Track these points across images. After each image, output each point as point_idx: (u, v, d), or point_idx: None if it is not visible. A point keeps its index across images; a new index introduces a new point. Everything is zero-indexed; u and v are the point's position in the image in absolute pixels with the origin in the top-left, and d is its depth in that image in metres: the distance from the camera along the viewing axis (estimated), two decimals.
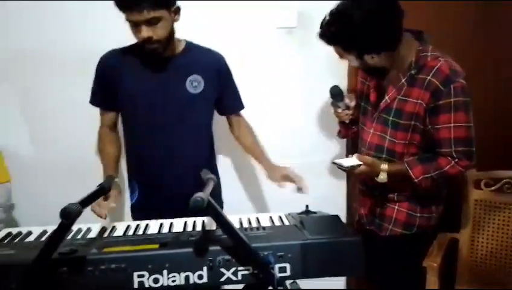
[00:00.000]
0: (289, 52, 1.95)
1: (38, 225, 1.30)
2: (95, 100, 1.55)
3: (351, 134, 1.72)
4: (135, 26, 1.34)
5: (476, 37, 1.91)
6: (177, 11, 1.42)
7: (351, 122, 1.64)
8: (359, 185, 1.64)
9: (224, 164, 1.96)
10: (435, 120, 1.34)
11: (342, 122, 1.67)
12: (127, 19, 1.33)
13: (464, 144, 1.34)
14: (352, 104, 1.56)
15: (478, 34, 1.91)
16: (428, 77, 1.32)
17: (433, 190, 1.45)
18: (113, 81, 1.49)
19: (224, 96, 1.60)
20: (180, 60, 1.49)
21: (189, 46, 1.53)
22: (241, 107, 1.67)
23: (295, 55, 1.96)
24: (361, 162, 1.38)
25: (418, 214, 1.49)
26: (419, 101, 1.35)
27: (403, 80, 1.39)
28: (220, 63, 1.57)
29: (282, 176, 1.51)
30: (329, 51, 1.90)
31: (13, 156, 1.83)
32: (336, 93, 1.53)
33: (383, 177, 1.39)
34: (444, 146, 1.35)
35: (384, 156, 1.46)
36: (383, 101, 1.44)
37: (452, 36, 1.86)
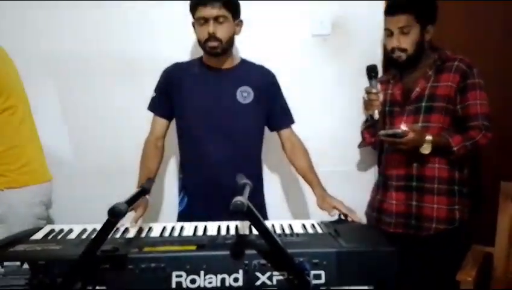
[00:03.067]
0: (324, 59, 1.97)
1: (72, 223, 1.35)
2: (152, 106, 1.65)
3: (375, 141, 1.78)
4: (204, 22, 1.49)
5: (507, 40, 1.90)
6: (240, 24, 1.59)
7: (375, 129, 1.73)
8: (392, 181, 1.65)
9: None
10: (465, 97, 1.56)
11: (367, 128, 1.81)
12: (199, 16, 1.49)
13: (488, 119, 1.54)
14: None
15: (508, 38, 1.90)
16: (456, 62, 1.58)
17: (463, 175, 1.62)
18: (172, 90, 1.60)
19: (273, 111, 1.65)
20: (233, 72, 1.60)
21: (243, 61, 1.67)
22: (290, 122, 1.68)
23: (330, 62, 1.97)
24: (409, 130, 1.49)
25: (457, 207, 1.60)
26: (449, 83, 1.57)
27: (430, 72, 1.61)
28: (270, 79, 1.66)
29: (333, 208, 1.46)
30: (363, 57, 1.92)
31: (52, 155, 1.89)
32: (371, 68, 1.57)
33: (427, 146, 1.51)
34: (475, 120, 1.54)
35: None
36: (414, 92, 1.62)
37: (481, 38, 1.88)
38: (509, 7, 1.89)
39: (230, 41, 1.55)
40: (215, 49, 1.51)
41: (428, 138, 1.51)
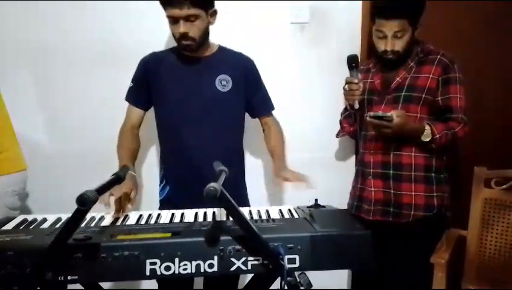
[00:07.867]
0: (302, 47, 1.97)
1: (51, 213, 1.33)
2: (129, 96, 1.63)
3: (353, 130, 1.79)
4: (174, 22, 1.45)
5: (487, 36, 1.92)
6: (214, 14, 1.52)
7: (354, 118, 1.74)
8: (371, 168, 1.66)
9: None
10: (447, 90, 1.58)
11: (345, 118, 1.81)
12: (168, 15, 1.44)
13: (464, 113, 1.58)
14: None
15: (488, 34, 1.93)
16: (439, 56, 1.60)
17: (442, 162, 1.64)
18: (149, 80, 1.58)
19: (253, 98, 1.64)
20: (211, 61, 1.58)
21: (221, 49, 1.64)
22: (271, 108, 1.69)
23: (308, 50, 1.97)
24: (396, 115, 1.47)
25: (435, 194, 1.61)
26: (431, 75, 1.58)
27: (412, 63, 1.62)
28: (248, 66, 1.64)
29: (284, 177, 1.49)
30: (342, 45, 1.92)
31: (29, 145, 1.85)
32: (352, 58, 1.56)
33: (427, 134, 1.52)
34: (455, 112, 1.58)
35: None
36: (394, 82, 1.62)
37: (463, 35, 1.91)
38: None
39: (205, 36, 1.52)
40: (189, 47, 1.49)
41: (428, 126, 1.53)
